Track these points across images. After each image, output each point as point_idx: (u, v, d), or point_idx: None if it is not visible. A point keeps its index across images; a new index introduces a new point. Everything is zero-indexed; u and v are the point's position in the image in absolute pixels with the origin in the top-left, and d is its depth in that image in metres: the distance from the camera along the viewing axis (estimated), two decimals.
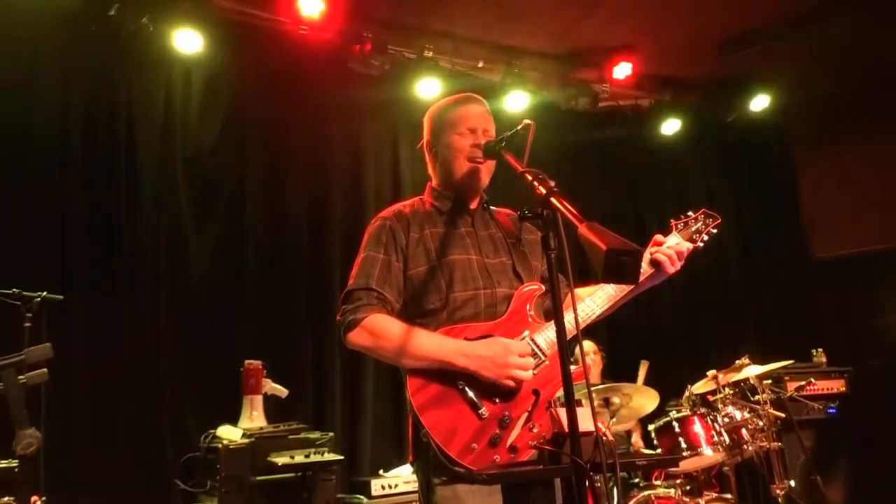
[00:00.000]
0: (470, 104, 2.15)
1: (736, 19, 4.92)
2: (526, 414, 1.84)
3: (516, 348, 1.86)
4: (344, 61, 4.55)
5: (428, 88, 4.73)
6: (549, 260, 1.46)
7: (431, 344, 1.88)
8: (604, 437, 1.73)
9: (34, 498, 2.56)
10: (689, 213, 2.23)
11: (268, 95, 4.59)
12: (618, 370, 4.77)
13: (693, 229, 2.19)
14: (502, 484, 1.48)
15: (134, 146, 4.10)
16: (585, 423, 1.38)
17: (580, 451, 1.34)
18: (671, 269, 2.04)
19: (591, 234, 1.29)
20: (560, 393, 1.90)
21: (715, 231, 2.23)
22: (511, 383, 1.84)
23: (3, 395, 1.84)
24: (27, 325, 2.93)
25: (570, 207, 1.42)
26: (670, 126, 5.69)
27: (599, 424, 1.42)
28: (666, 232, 2.16)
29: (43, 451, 1.94)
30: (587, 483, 1.32)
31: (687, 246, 2.10)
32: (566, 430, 1.37)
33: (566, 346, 1.42)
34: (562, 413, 1.39)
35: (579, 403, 1.41)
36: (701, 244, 2.20)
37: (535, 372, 1.89)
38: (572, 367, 1.44)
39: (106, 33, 4.03)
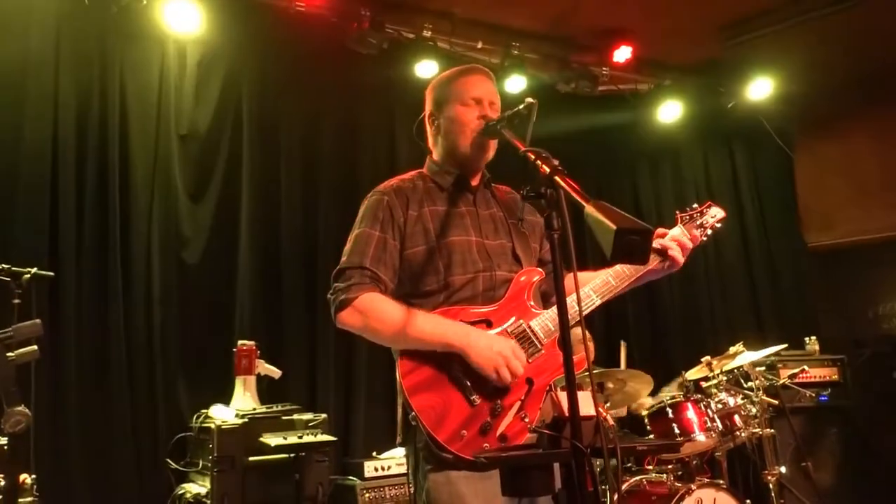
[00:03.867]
0: (475, 74, 2.08)
1: (738, 4, 4.87)
2: (518, 403, 1.81)
3: (517, 351, 1.82)
4: (341, 40, 4.47)
5: (426, 69, 4.66)
6: (551, 241, 1.42)
7: (427, 323, 1.83)
8: (605, 422, 1.72)
9: (24, 476, 2.54)
10: (695, 206, 2.20)
11: (264, 73, 4.52)
12: (612, 357, 4.77)
13: (698, 223, 2.17)
14: (500, 468, 1.46)
15: (127, 123, 4.03)
16: (586, 407, 1.36)
17: (580, 435, 1.32)
18: (680, 259, 2.01)
19: (600, 213, 1.26)
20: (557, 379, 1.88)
21: (719, 226, 2.21)
22: (493, 375, 1.78)
23: None
24: (16, 301, 2.89)
25: (575, 186, 1.38)
26: (669, 111, 5.65)
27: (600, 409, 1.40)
28: (666, 221, 2.14)
29: (33, 430, 1.91)
30: (587, 467, 1.31)
31: (690, 239, 2.08)
32: (566, 414, 1.34)
33: (569, 330, 1.39)
34: (562, 397, 1.37)
35: (580, 387, 1.38)
36: (704, 238, 2.17)
37: (529, 360, 1.85)
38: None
39: (99, 7, 3.95)
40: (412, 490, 1.90)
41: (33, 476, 2.65)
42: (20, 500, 2.47)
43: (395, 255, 1.95)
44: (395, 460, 3.91)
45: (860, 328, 5.63)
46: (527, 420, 1.80)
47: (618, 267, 1.97)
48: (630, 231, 1.23)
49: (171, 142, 4.17)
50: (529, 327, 1.89)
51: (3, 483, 2.39)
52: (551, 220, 1.42)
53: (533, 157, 1.53)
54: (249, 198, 4.35)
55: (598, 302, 1.97)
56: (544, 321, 1.90)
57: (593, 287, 1.97)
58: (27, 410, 1.82)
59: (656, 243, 2.02)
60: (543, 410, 1.45)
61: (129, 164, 4.01)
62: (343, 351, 4.46)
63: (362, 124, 4.88)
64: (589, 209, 1.31)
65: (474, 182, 2.08)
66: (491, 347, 1.79)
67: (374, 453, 4.07)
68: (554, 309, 1.89)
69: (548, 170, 1.45)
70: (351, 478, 3.85)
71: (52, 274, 3.20)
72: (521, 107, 1.84)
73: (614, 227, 1.21)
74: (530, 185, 1.51)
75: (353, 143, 4.82)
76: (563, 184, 1.39)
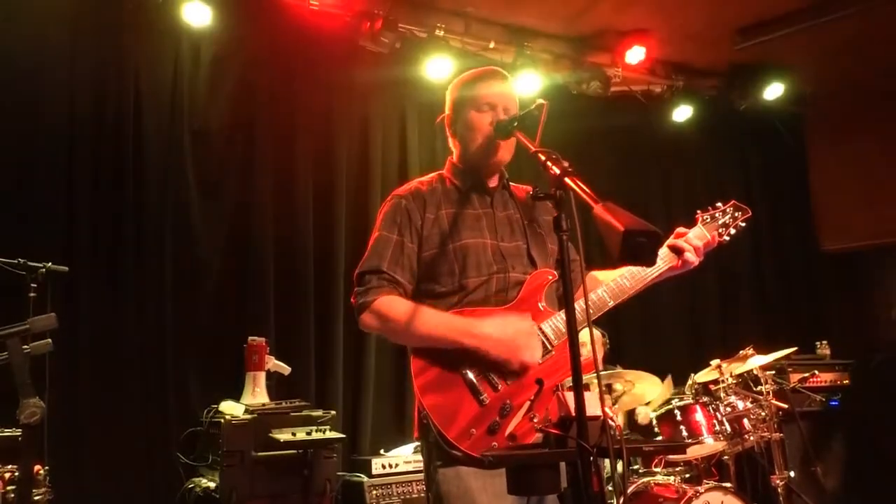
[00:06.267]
0: (492, 79, 2.07)
1: (753, 5, 4.84)
2: (528, 403, 1.82)
3: (526, 328, 1.84)
4: (354, 38, 4.49)
5: (438, 68, 4.67)
6: (560, 242, 1.43)
7: (440, 323, 1.86)
8: (611, 422, 1.72)
9: (37, 467, 2.58)
10: (718, 205, 2.15)
11: (277, 71, 4.54)
12: (620, 357, 4.76)
13: (720, 222, 2.13)
14: (506, 466, 1.48)
15: (141, 119, 4.06)
16: (592, 407, 1.37)
17: (587, 435, 1.32)
18: (694, 260, 1.99)
19: (608, 215, 1.26)
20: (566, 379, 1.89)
21: (743, 224, 2.15)
22: (517, 365, 1.81)
23: (8, 364, 1.84)
24: (32, 295, 2.93)
25: (584, 188, 1.39)
26: (682, 113, 5.63)
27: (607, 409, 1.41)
28: (686, 223, 2.10)
29: (46, 421, 1.94)
30: (593, 467, 1.31)
31: (710, 239, 2.05)
32: (573, 413, 1.35)
33: (576, 332, 1.39)
34: (569, 397, 1.38)
35: (587, 388, 1.39)
36: (727, 238, 2.13)
37: (540, 361, 1.86)
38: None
39: (115, 3, 3.99)
40: (425, 483, 1.94)
41: (46, 468, 2.69)
42: (34, 490, 2.51)
43: (413, 258, 1.97)
44: (402, 458, 3.93)
45: (872, 333, 5.59)
46: (535, 420, 1.81)
47: (632, 268, 1.97)
48: (637, 233, 1.23)
49: (185, 137, 4.20)
50: (540, 329, 1.90)
51: (17, 474, 2.43)
52: (560, 222, 1.42)
53: (543, 157, 1.54)
54: (261, 194, 4.37)
55: (612, 304, 1.96)
56: (555, 323, 1.91)
57: (606, 289, 1.96)
58: (41, 402, 1.85)
59: (673, 242, 2.01)
60: (549, 411, 1.46)
61: (143, 159, 4.04)
62: (352, 348, 4.48)
63: (374, 122, 4.89)
64: (597, 210, 1.32)
65: (492, 184, 2.10)
66: (502, 341, 1.81)
67: (382, 450, 4.09)
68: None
69: (557, 171, 1.46)
70: (358, 474, 3.87)
71: (66, 269, 3.24)
72: (533, 107, 1.85)
73: (622, 229, 1.22)
74: (540, 186, 1.52)
75: (364, 140, 4.83)
76: (572, 185, 1.40)
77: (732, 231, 2.14)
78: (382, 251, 1.96)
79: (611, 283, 1.97)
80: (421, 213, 1.99)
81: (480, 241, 1.98)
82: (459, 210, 2.02)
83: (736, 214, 2.16)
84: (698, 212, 2.13)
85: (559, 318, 1.91)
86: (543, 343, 1.88)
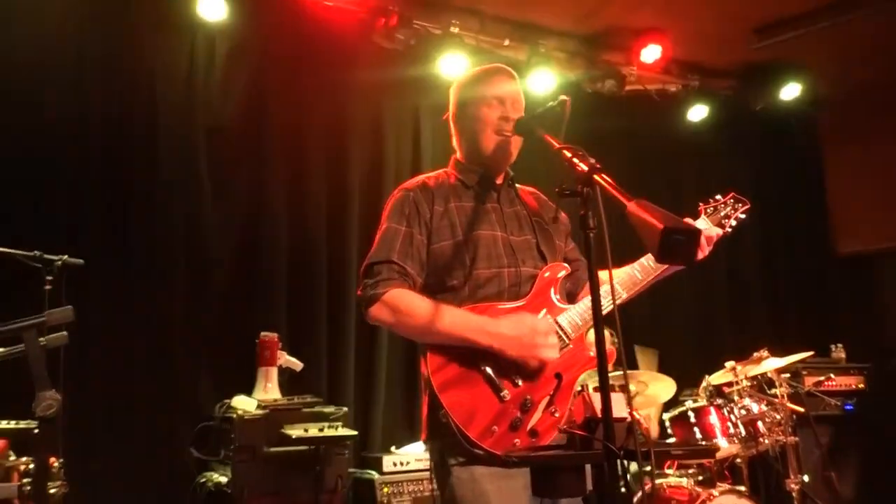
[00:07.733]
0: (499, 75, 2.08)
1: (770, 4, 4.79)
2: (548, 398, 1.81)
3: (542, 327, 1.83)
4: (368, 35, 4.48)
5: (452, 65, 4.64)
6: (587, 240, 1.41)
7: (454, 321, 1.83)
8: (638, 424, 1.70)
9: (52, 459, 2.58)
10: (718, 197, 2.19)
11: (291, 67, 4.53)
12: (631, 358, 4.73)
13: (722, 214, 2.16)
14: (532, 468, 1.45)
15: (155, 113, 4.06)
16: (618, 409, 1.35)
17: (613, 436, 1.30)
18: (700, 255, 1.98)
19: (644, 213, 1.23)
20: (583, 378, 1.88)
21: (743, 216, 2.20)
22: (535, 363, 1.80)
23: (24, 356, 1.83)
24: (48, 287, 2.93)
25: (615, 185, 1.36)
26: (697, 112, 5.59)
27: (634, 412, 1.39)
28: (693, 216, 2.11)
29: (61, 414, 1.93)
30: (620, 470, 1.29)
31: (717, 231, 2.07)
32: (599, 415, 1.33)
33: (603, 330, 1.37)
34: (595, 398, 1.36)
35: (613, 389, 1.37)
36: (729, 229, 2.17)
37: (558, 356, 1.84)
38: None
39: None
40: (434, 485, 1.90)
41: (61, 460, 2.69)
42: (49, 483, 2.51)
43: (422, 250, 1.95)
44: (413, 455, 3.92)
45: (888, 336, 5.53)
46: (557, 415, 1.79)
47: (643, 260, 1.99)
48: (676, 231, 1.21)
49: (198, 133, 4.19)
50: (557, 322, 1.89)
51: (32, 466, 2.43)
52: (587, 219, 1.40)
53: (569, 154, 1.52)
54: (274, 191, 4.36)
55: (625, 296, 1.98)
56: (571, 316, 1.90)
57: (619, 282, 1.97)
58: (57, 395, 1.84)
59: None
60: (573, 411, 1.44)
61: (156, 155, 4.03)
62: (364, 345, 4.47)
63: (388, 119, 4.87)
64: (631, 208, 1.29)
65: (498, 181, 2.10)
66: (520, 340, 1.79)
67: (393, 448, 4.08)
68: (580, 304, 1.93)
69: (585, 168, 1.44)
70: (370, 472, 3.86)
71: (81, 262, 3.23)
72: (555, 104, 1.83)
73: (661, 227, 1.19)
74: (565, 184, 1.49)
75: (377, 137, 4.82)
76: (602, 182, 1.38)
77: (734, 222, 2.18)
78: (392, 242, 1.93)
79: (623, 276, 1.98)
80: (429, 205, 1.98)
81: (491, 234, 1.97)
82: (469, 204, 2.01)
83: (736, 206, 2.20)
84: (700, 204, 2.18)
85: (574, 311, 1.91)
86: (560, 336, 1.87)
